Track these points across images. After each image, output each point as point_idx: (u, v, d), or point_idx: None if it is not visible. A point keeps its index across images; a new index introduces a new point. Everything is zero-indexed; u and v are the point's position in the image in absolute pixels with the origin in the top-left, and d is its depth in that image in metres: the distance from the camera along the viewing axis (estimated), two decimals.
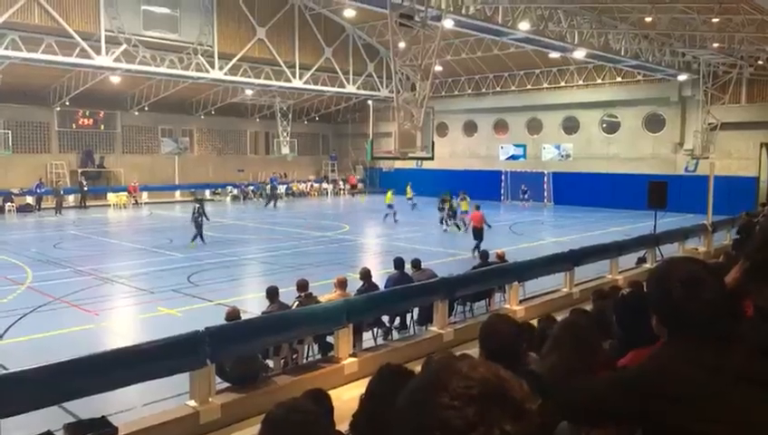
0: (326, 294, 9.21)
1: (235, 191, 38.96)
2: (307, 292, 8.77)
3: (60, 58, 23.27)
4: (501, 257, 12.04)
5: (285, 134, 40.66)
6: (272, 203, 34.36)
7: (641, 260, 15.33)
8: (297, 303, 8.54)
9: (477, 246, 16.80)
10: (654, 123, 32.84)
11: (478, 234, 17.95)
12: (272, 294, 8.47)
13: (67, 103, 32.64)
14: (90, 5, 23.92)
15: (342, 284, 9.20)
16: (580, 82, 34.22)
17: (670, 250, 15.49)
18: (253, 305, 11.17)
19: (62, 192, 30.89)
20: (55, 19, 22.60)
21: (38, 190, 30.77)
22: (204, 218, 20.32)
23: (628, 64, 27.41)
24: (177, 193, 37.14)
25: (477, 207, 19.62)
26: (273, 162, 42.20)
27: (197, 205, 20.54)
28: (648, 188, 17.54)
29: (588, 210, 30.58)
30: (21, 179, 30.85)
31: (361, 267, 10.47)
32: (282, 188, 38.92)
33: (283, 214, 31.29)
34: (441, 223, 24.36)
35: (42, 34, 22.74)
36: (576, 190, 33.39)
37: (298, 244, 20.75)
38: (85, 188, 32.82)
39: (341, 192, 43.67)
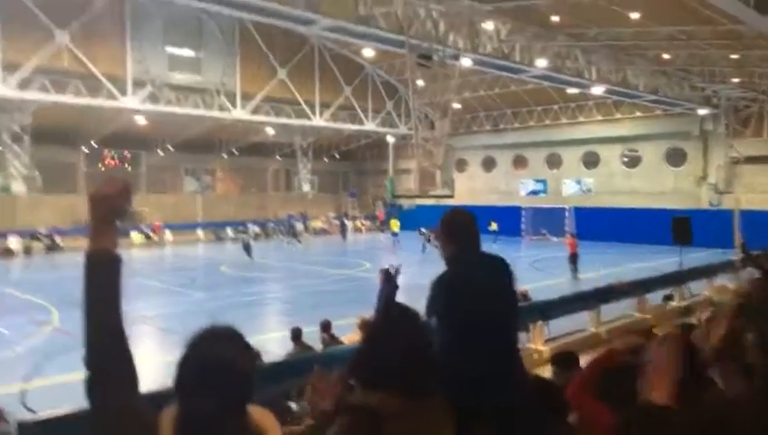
0: (348, 335, 9.15)
1: (257, 229, 39.27)
2: (330, 332, 8.73)
3: (88, 100, 24.01)
4: (524, 296, 11.89)
5: (306, 172, 41.10)
6: (293, 241, 34.67)
7: (667, 298, 15.01)
8: (321, 345, 8.51)
9: (574, 270, 20.20)
10: (675, 157, 32.62)
11: (573, 259, 20.46)
12: (295, 335, 8.45)
13: (94, 144, 33.44)
14: (117, 50, 24.72)
15: (365, 326, 9.12)
16: (600, 117, 34.26)
17: (698, 287, 15.17)
18: (275, 345, 11.12)
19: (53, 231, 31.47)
20: (84, 63, 23.35)
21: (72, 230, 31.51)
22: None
23: (647, 99, 27.42)
24: (200, 231, 37.55)
25: (573, 235, 22.45)
26: (294, 199, 42.57)
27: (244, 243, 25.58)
28: (671, 223, 17.32)
29: (611, 245, 30.20)
30: (49, 219, 31.45)
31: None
32: (299, 226, 39.30)
33: (303, 251, 31.38)
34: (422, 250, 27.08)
35: (70, 78, 23.48)
36: (598, 225, 33.01)
37: (319, 282, 20.74)
38: None
39: (362, 229, 43.78)
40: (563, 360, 4.46)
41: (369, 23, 16.77)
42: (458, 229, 3.04)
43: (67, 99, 23.54)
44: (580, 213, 34.59)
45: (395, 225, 32.22)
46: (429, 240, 26.52)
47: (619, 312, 13.28)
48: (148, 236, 33.98)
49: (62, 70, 23.24)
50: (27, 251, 29.50)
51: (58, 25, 22.58)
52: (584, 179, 35.74)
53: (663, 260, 22.10)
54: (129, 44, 24.90)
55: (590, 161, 35.88)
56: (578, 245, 21.39)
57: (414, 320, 2.19)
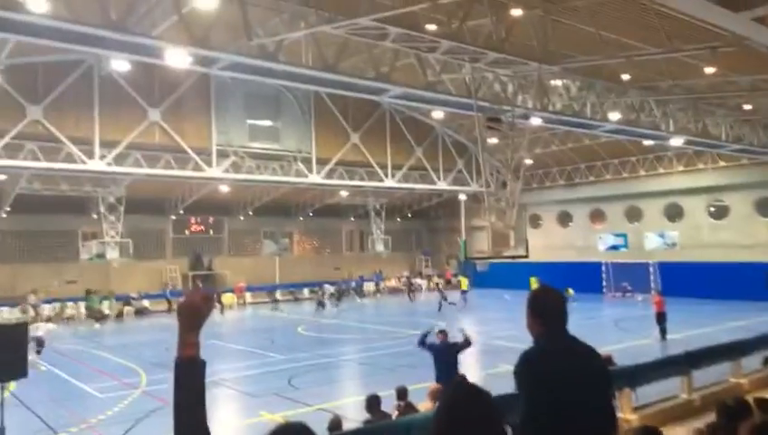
0: (422, 403, 9.04)
1: (332, 289, 39.81)
2: (406, 400, 8.67)
3: (177, 172, 25.62)
4: (608, 361, 11.38)
5: (379, 232, 41.70)
6: (358, 299, 35.55)
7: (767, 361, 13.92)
8: (396, 413, 8.45)
9: (662, 330, 19.38)
10: (767, 207, 30.79)
11: (661, 318, 19.63)
12: (372, 403, 8.43)
13: (181, 212, 35.48)
14: (203, 124, 26.46)
15: (436, 395, 8.97)
16: (681, 168, 33.03)
17: None
18: (352, 411, 11.14)
19: (168, 294, 33.43)
20: (173, 138, 25.10)
21: (167, 294, 33.60)
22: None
23: (730, 149, 26.27)
24: (278, 293, 38.48)
25: (660, 293, 21.56)
26: (368, 259, 43.06)
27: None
28: (767, 277, 16.24)
29: (700, 303, 28.48)
30: (139, 284, 33.25)
31: (459, 374, 10.27)
32: (370, 285, 39.79)
33: (378, 311, 31.48)
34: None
35: (161, 152, 25.21)
36: (685, 281, 31.26)
37: (394, 343, 20.65)
38: None
39: (437, 287, 43.45)
40: None
41: (438, 88, 17.22)
42: (545, 310, 2.99)
43: (158, 171, 25.22)
44: (665, 268, 32.95)
45: (464, 283, 33.37)
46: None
47: (713, 376, 12.44)
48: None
49: (153, 145, 25.03)
50: (119, 314, 31.14)
51: (150, 104, 24.55)
52: (668, 232, 34.23)
53: (759, 318, 20.65)
54: (213, 118, 26.65)
55: (673, 213, 34.43)
56: (665, 302, 20.25)
57: (482, 403, 2.19)
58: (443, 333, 11.52)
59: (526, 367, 2.84)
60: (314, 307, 31.10)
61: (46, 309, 29.73)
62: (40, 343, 19.43)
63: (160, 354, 19.51)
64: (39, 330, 20.49)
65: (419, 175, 33.55)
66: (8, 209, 29.62)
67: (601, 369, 2.96)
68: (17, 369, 8.50)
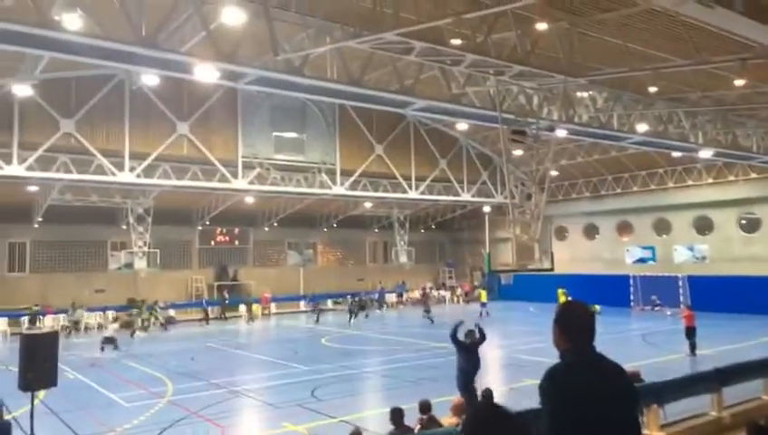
0: (445, 417, 9.00)
1: (355, 300, 39.81)
2: (430, 414, 8.63)
3: (204, 184, 26.02)
4: (635, 377, 11.19)
5: (403, 243, 41.69)
6: (379, 310, 35.56)
7: None
8: (419, 426, 8.42)
9: (692, 346, 18.87)
10: None
11: (691, 333, 19.11)
12: (395, 417, 8.41)
13: (207, 223, 35.95)
14: (229, 136, 26.86)
15: (459, 409, 8.93)
16: (710, 180, 32.43)
17: None
18: (375, 423, 11.13)
19: (204, 304, 34.13)
20: (200, 150, 25.52)
21: (203, 303, 34.43)
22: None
23: (762, 160, 25.74)
24: (302, 303, 38.66)
25: (689, 308, 21.01)
26: (392, 271, 43.05)
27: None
28: None
29: (731, 317, 27.84)
30: (165, 294, 33.71)
31: (485, 388, 10.21)
32: (392, 297, 39.80)
33: (401, 323, 31.39)
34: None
35: (189, 164, 25.63)
36: (716, 295, 30.57)
37: (416, 356, 20.59)
38: (226, 301, 35.20)
39: (459, 299, 43.29)
40: None
41: (462, 101, 17.24)
42: (572, 326, 2.96)
43: (185, 183, 25.64)
44: (695, 282, 32.30)
45: (483, 295, 34.11)
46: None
47: (743, 393, 12.15)
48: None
49: (181, 157, 25.48)
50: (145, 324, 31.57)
51: (179, 118, 25.02)
52: (697, 246, 33.60)
53: None
54: (240, 131, 27.04)
55: (703, 226, 33.79)
56: (695, 317, 19.81)
57: (505, 427, 2.19)
58: (471, 333, 12.27)
59: (551, 383, 2.83)
60: (347, 317, 30.89)
61: (91, 317, 30.59)
62: (112, 341, 22.62)
63: (186, 364, 19.76)
64: (108, 331, 23.47)
65: (443, 186, 33.53)
66: (40, 220, 30.37)
67: (627, 386, 2.92)
68: (48, 378, 8.69)
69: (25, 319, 28.61)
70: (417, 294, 42.55)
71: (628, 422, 2.85)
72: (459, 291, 44.05)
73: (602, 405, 2.72)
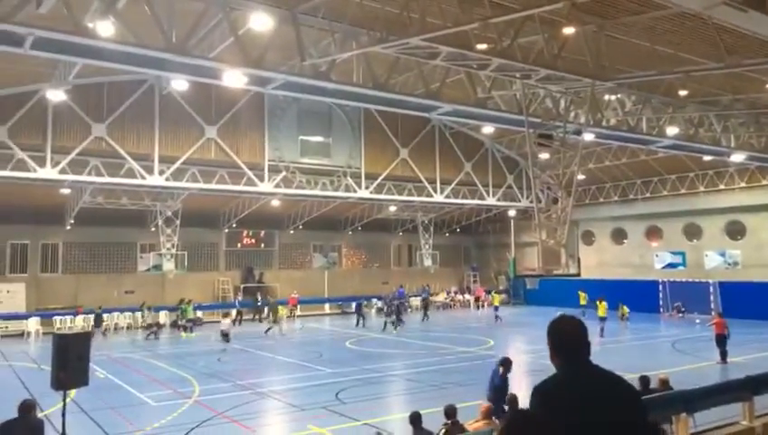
0: (471, 422, 8.97)
1: (380, 304, 39.84)
2: (454, 419, 8.62)
3: (231, 187, 26.38)
4: (664, 383, 11.03)
5: (427, 247, 41.61)
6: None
7: None
8: (443, 431, 8.41)
9: (723, 353, 18.32)
10: None
11: (721, 341, 18.61)
12: (414, 420, 8.43)
13: (234, 225, 36.36)
14: (256, 140, 27.18)
15: (488, 413, 8.92)
16: (743, 184, 31.75)
17: None
18: (398, 427, 11.13)
19: (237, 304, 34.55)
20: (228, 154, 25.86)
21: (236, 303, 35.02)
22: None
23: None
24: (327, 306, 38.79)
25: (720, 315, 20.39)
26: (416, 274, 42.99)
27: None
28: None
29: (763, 324, 27.17)
30: (192, 295, 34.13)
31: (510, 393, 10.13)
32: (416, 300, 39.57)
33: (426, 327, 31.29)
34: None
35: (216, 167, 26.00)
36: (748, 302, 29.86)
37: (441, 359, 20.53)
38: (258, 303, 35.52)
39: (484, 304, 42.99)
40: None
41: (488, 104, 17.18)
42: (561, 342, 2.89)
43: (213, 186, 26.02)
44: (727, 288, 31.59)
45: (496, 299, 34.59)
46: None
47: None
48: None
49: (209, 160, 25.86)
50: (174, 324, 32.01)
51: (207, 122, 25.40)
52: (729, 251, 32.89)
53: None
54: (267, 135, 27.34)
55: (735, 231, 33.06)
56: (726, 325, 19.40)
57: (543, 430, 2.18)
58: (504, 365, 11.33)
59: (539, 399, 2.76)
60: (383, 323, 29.83)
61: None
62: (225, 334, 23.81)
63: (213, 365, 20.01)
64: (222, 325, 24.78)
65: (468, 190, 33.40)
66: (72, 222, 31.05)
67: (625, 398, 2.78)
68: (80, 377, 8.88)
69: (90, 317, 29.31)
70: (441, 297, 42.43)
71: (627, 432, 2.73)
72: (484, 296, 43.73)
73: (593, 419, 2.61)
